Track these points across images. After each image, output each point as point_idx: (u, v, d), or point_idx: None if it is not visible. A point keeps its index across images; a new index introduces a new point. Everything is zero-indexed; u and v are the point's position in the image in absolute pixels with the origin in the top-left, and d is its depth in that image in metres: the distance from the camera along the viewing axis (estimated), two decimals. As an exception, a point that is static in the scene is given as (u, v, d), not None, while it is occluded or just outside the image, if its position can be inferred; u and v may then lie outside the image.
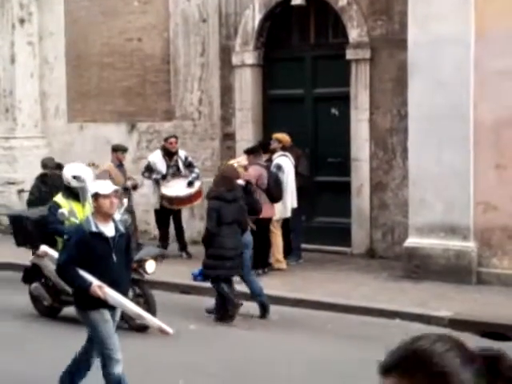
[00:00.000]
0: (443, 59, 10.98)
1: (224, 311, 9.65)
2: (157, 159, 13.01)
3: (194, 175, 12.94)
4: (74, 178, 9.16)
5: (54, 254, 8.79)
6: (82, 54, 15.47)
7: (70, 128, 15.73)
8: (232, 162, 11.91)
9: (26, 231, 9.98)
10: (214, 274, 9.64)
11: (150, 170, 13.06)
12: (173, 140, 13.07)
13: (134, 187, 13.08)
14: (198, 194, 12.89)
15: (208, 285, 10.06)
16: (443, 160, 11.03)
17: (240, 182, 10.42)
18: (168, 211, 13.05)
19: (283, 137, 12.16)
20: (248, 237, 10.10)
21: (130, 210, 11.53)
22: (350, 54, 12.64)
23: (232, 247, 9.57)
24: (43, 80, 15.97)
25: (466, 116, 10.99)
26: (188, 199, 12.92)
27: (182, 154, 13.10)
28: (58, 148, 15.72)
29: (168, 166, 12.97)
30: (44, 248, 9.16)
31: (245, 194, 10.24)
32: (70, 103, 15.74)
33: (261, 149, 12.01)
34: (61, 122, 15.87)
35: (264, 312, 9.88)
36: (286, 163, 11.89)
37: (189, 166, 13.04)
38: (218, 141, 14.04)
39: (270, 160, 11.99)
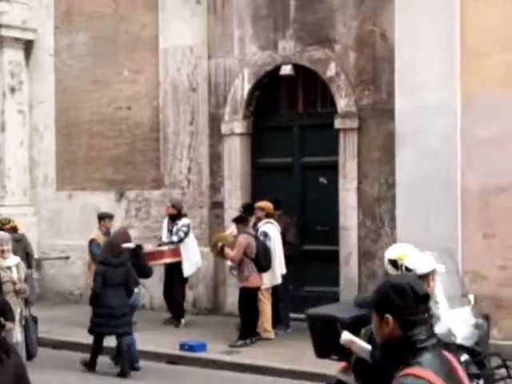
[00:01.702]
0: (430, 128, 11.06)
1: (92, 362, 10.59)
2: (164, 224, 13.32)
3: (170, 239, 12.97)
4: None
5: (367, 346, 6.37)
6: (72, 123, 15.53)
7: (59, 196, 15.70)
8: (226, 232, 11.98)
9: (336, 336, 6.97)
10: (99, 330, 10.50)
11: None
12: (168, 204, 13.20)
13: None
14: (171, 252, 12.87)
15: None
16: (431, 228, 11.01)
17: (129, 245, 11.27)
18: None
19: (265, 204, 12.16)
20: (136, 298, 11.06)
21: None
22: (338, 124, 12.70)
23: (116, 307, 10.36)
24: (33, 148, 16.00)
25: (454, 184, 11.02)
26: (158, 254, 12.89)
27: (183, 221, 13.09)
28: (47, 216, 15.67)
29: (168, 231, 13.15)
30: (348, 336, 6.65)
31: (134, 258, 11.23)
32: (59, 171, 15.74)
33: (248, 216, 12.01)
34: (49, 190, 15.84)
35: (125, 371, 10.39)
36: (271, 230, 11.86)
37: (176, 232, 13.02)
38: (207, 209, 14.02)
39: (255, 226, 11.99)
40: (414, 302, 3.51)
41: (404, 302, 3.51)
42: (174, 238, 12.96)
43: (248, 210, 12.29)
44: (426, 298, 3.57)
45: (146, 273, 11.87)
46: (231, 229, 12.19)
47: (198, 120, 14.04)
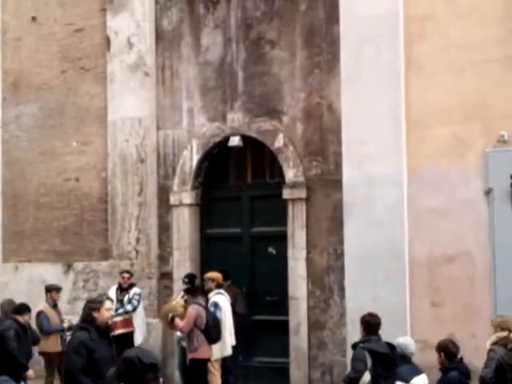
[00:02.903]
0: (378, 198, 11.21)
1: None
2: (111, 293, 12.90)
3: (124, 308, 12.79)
4: None
5: None
6: (19, 194, 15.41)
7: (5, 268, 15.48)
8: (173, 301, 11.87)
9: None
10: None
11: None
12: (125, 275, 13.09)
13: (69, 328, 12.80)
14: (124, 323, 12.71)
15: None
16: (380, 298, 11.08)
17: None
18: None
19: (215, 275, 12.11)
20: None
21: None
22: (286, 194, 12.80)
23: None
24: (-22, 219, 15.80)
25: (402, 254, 11.14)
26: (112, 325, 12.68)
27: (134, 290, 12.99)
28: (-8, 288, 15.42)
29: (117, 301, 12.83)
30: None
31: None
32: (5, 243, 15.55)
33: (198, 287, 11.98)
34: (-5, 262, 15.62)
35: None
36: (222, 301, 11.80)
37: (129, 301, 12.90)
38: (156, 280, 13.92)
39: (206, 298, 11.95)
40: (141, 371, 3.97)
41: (132, 371, 3.99)
42: (129, 307, 12.83)
43: (191, 281, 12.31)
44: (153, 366, 4.03)
45: None
46: (179, 296, 12.14)
47: (147, 191, 14.04)
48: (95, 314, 7.71)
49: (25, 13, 15.53)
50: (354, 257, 11.53)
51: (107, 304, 7.81)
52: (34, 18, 15.42)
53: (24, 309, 11.16)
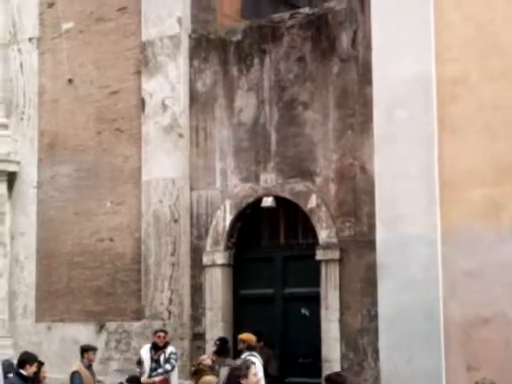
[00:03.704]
0: (411, 259, 11.13)
1: None
2: (144, 352, 12.82)
3: (164, 368, 12.67)
4: None
5: None
6: (53, 254, 15.52)
7: (38, 328, 15.52)
8: (202, 360, 11.83)
9: None
10: None
11: (139, 363, 12.83)
12: (161, 334, 12.86)
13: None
14: (162, 382, 12.62)
15: None
16: (415, 360, 10.94)
17: None
18: None
19: (248, 336, 12.03)
20: None
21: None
22: (319, 255, 12.78)
23: None
24: (13, 279, 15.91)
25: (436, 315, 11.01)
26: None
27: (169, 349, 12.87)
28: (25, 348, 15.39)
29: (152, 360, 12.73)
30: None
31: None
32: (39, 302, 15.62)
33: (229, 350, 11.96)
34: (28, 321, 15.67)
35: None
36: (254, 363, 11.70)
37: (167, 360, 12.78)
38: (188, 341, 13.89)
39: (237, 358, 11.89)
40: None
41: None
42: (168, 367, 12.68)
43: (222, 344, 12.23)
44: None
45: None
46: (206, 356, 12.13)
47: (180, 251, 14.08)
48: (243, 381, 7.41)
49: (61, 75, 15.81)
50: (387, 318, 11.42)
51: (253, 369, 7.54)
52: (70, 81, 15.70)
53: (27, 359, 10.07)
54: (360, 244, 12.47)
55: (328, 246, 12.73)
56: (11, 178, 16.08)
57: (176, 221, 14.15)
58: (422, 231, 11.08)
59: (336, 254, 12.65)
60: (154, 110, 14.54)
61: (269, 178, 13.41)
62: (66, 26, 15.85)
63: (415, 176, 11.29)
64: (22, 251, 15.91)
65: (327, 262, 12.73)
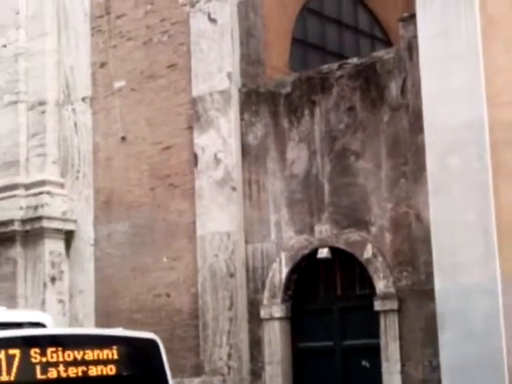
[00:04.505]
0: (472, 309, 10.97)
1: None
2: None
3: None
4: None
5: None
6: (112, 311, 15.58)
7: None
8: None
9: None
10: None
11: None
12: None
13: None
14: None
15: None
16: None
17: None
18: None
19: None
20: None
21: None
22: (377, 305, 12.62)
23: None
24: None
25: (500, 365, 10.81)
26: None
27: None
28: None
29: None
30: None
31: None
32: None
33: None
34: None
35: None
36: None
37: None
38: (249, 394, 13.82)
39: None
40: None
41: None
42: None
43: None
44: None
45: None
46: None
47: (237, 305, 14.03)
48: None
49: (114, 133, 16.01)
50: (450, 369, 11.23)
51: None
52: (123, 138, 15.88)
53: None
54: (418, 293, 12.29)
55: (386, 296, 12.57)
56: (68, 237, 16.26)
57: (232, 275, 14.13)
58: (482, 280, 10.92)
59: (394, 304, 12.49)
60: (207, 164, 14.61)
61: (323, 229, 13.34)
62: (117, 84, 16.09)
63: (472, 223, 11.15)
64: (81, 309, 16.02)
65: (386, 312, 12.57)
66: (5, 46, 17.20)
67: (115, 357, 7.13)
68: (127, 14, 16.19)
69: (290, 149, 13.85)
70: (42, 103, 16.72)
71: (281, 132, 13.98)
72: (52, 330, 7.97)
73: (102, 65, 16.41)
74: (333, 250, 13.22)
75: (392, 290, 12.55)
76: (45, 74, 16.83)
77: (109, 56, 16.29)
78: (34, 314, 9.42)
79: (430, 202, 11.72)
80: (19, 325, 8.11)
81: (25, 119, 16.81)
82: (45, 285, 15.92)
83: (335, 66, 13.64)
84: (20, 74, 16.94)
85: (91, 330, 10.43)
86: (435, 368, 11.83)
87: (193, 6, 15.14)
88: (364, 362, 13.03)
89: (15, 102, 16.85)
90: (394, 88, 12.87)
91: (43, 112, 16.70)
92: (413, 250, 12.44)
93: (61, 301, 16.05)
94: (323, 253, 13.24)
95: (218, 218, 14.40)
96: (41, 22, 17.08)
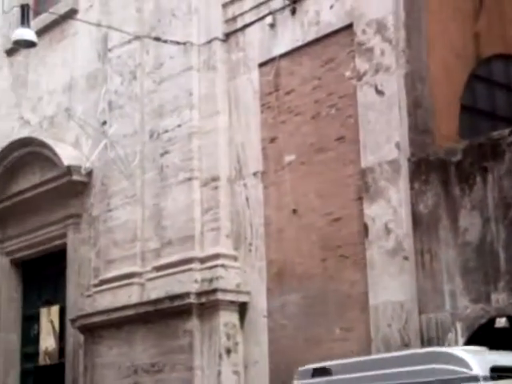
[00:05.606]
0: None
1: None
2: None
3: None
4: None
5: None
6: (287, 381, 15.63)
7: None
8: None
9: None
10: None
11: None
12: None
13: None
14: None
15: None
16: None
17: None
18: None
19: None
20: None
21: None
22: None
23: None
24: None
25: None
26: None
27: None
28: None
29: None
30: None
31: None
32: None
33: None
34: None
35: None
36: None
37: None
38: None
39: None
40: None
41: None
42: None
43: None
44: None
45: None
46: None
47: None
48: None
49: (285, 206, 16.33)
50: None
51: None
52: (294, 211, 16.16)
53: None
54: None
55: None
56: (242, 309, 16.59)
57: (406, 345, 13.95)
58: None
59: None
60: (378, 234, 14.63)
61: (500, 298, 13.02)
62: (288, 158, 16.47)
63: None
64: (255, 381, 16.20)
65: None
66: (179, 125, 18.01)
67: None
68: (296, 89, 16.63)
69: (462, 217, 13.68)
70: (214, 179, 17.32)
71: (452, 200, 13.85)
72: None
73: (272, 140, 16.87)
74: (510, 319, 12.87)
75: None
76: (217, 152, 17.48)
77: (278, 131, 16.74)
78: None
79: None
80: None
81: (199, 195, 17.45)
82: (220, 356, 16.24)
83: (506, 131, 13.47)
84: (194, 152, 17.66)
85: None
86: None
87: (360, 79, 15.38)
88: None
89: (189, 179, 17.54)
90: None
91: (216, 188, 17.29)
92: None
93: (236, 372, 16.31)
94: (501, 322, 12.91)
95: (390, 287, 14.33)
96: (213, 101, 17.80)
